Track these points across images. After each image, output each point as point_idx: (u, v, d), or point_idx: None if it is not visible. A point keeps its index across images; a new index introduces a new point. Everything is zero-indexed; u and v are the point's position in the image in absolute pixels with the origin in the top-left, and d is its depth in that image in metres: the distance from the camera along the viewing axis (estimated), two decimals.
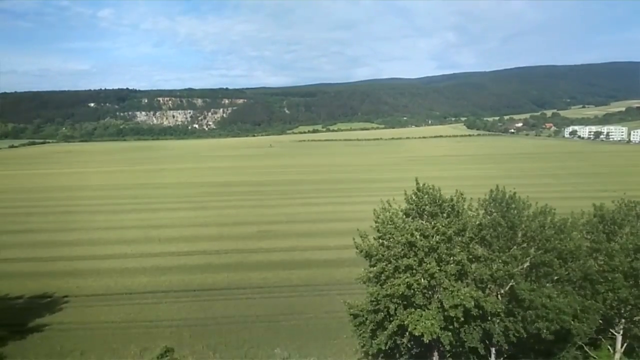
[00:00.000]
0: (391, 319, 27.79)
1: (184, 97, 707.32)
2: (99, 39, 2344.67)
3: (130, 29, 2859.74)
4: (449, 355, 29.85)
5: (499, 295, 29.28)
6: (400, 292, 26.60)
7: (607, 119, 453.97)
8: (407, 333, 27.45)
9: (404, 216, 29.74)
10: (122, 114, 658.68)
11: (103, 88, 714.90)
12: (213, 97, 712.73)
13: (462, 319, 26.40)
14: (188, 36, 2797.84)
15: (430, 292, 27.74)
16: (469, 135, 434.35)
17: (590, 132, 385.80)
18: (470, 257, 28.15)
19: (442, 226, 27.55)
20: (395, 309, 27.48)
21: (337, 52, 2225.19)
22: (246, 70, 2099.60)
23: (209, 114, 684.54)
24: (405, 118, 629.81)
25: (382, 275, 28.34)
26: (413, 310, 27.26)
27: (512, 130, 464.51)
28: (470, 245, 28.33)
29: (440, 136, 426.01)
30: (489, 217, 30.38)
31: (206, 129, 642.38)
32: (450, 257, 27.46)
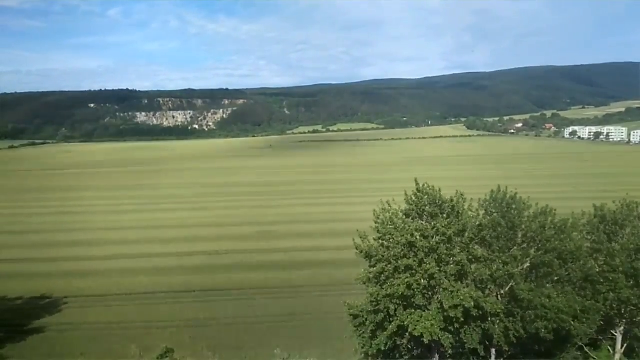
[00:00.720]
0: (391, 319, 27.73)
1: (184, 98, 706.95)
2: (106, 39, 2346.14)
3: (138, 29, 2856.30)
4: (449, 356, 29.79)
5: (499, 296, 29.23)
6: (400, 293, 26.56)
7: (607, 120, 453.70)
8: (407, 334, 27.40)
9: (404, 217, 29.67)
10: (122, 114, 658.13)
11: (104, 88, 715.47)
12: (213, 97, 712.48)
13: (462, 319, 26.36)
14: (197, 36, 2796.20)
15: (430, 293, 27.70)
16: (469, 136, 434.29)
17: (590, 132, 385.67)
18: (470, 257, 28.08)
19: (442, 227, 27.50)
20: (395, 310, 27.44)
21: (344, 53, 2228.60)
22: (252, 70, 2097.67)
23: (209, 114, 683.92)
24: (405, 119, 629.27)
25: (382, 275, 28.29)
26: (413, 310, 27.23)
27: (512, 131, 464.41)
28: (470, 246, 28.26)
29: (441, 137, 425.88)
30: (489, 217, 30.31)
31: (206, 129, 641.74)
32: (450, 257, 27.42)
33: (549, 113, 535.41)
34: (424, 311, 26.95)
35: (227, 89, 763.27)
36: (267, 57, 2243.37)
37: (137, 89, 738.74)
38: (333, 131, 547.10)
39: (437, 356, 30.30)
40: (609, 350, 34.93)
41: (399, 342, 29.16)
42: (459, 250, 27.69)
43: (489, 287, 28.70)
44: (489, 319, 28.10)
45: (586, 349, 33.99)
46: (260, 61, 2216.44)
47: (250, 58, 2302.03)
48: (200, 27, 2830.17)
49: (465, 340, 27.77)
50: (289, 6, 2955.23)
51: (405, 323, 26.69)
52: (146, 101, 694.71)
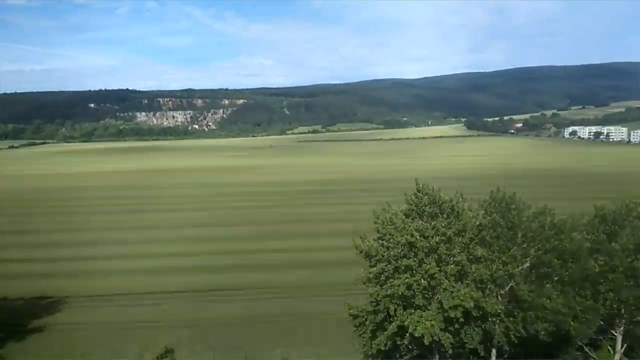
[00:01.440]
0: (391, 319, 27.77)
1: (184, 98, 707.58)
2: (113, 38, 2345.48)
3: (146, 27, 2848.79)
4: (449, 356, 29.80)
5: (499, 296, 29.25)
6: (400, 293, 26.61)
7: (607, 120, 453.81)
8: (407, 334, 27.42)
9: (404, 217, 29.72)
10: (122, 114, 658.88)
11: (104, 88, 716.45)
12: (213, 97, 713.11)
13: (462, 319, 26.38)
14: (204, 35, 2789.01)
15: (430, 293, 27.73)
16: (469, 136, 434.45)
17: (590, 132, 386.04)
18: (470, 257, 28.12)
19: (442, 227, 27.55)
20: (395, 310, 27.47)
21: (351, 52, 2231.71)
22: (258, 69, 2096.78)
23: (209, 114, 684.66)
24: (405, 119, 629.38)
25: (382, 275, 28.35)
26: (413, 311, 27.26)
27: (512, 131, 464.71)
28: (470, 246, 28.30)
29: (441, 137, 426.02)
30: (488, 217, 30.32)
31: (206, 129, 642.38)
32: (450, 257, 27.46)
33: (549, 113, 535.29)
34: (424, 311, 26.98)
35: (227, 89, 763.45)
36: (274, 56, 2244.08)
37: (141, 89, 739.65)
38: (333, 131, 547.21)
39: (437, 356, 30.33)
40: (609, 350, 34.94)
41: (398, 342, 29.17)
42: (458, 251, 27.74)
43: (489, 287, 28.72)
44: (489, 319, 28.13)
45: (586, 349, 34.04)
46: (267, 60, 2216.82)
47: (257, 57, 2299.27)
48: (208, 26, 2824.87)
49: (465, 340, 27.80)
50: (301, 5, 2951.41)
51: (406, 323, 26.72)
52: (146, 101, 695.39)
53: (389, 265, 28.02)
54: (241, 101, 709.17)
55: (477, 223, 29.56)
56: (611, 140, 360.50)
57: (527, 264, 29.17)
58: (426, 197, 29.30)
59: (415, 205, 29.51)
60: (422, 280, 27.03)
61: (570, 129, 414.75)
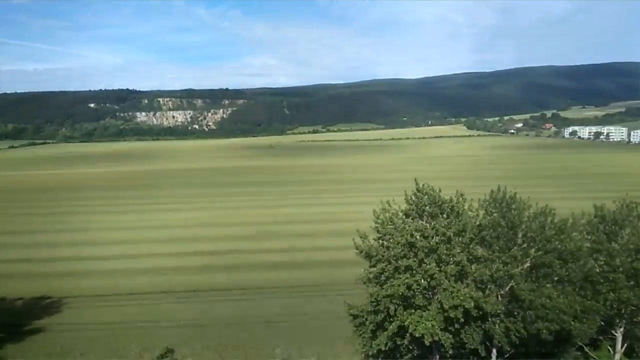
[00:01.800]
0: (391, 319, 27.74)
1: (184, 98, 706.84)
2: (117, 37, 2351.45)
3: (150, 27, 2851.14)
4: (449, 356, 29.78)
5: (499, 296, 29.22)
6: (400, 293, 26.57)
7: (607, 120, 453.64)
8: (408, 334, 27.39)
9: (404, 217, 29.69)
10: (122, 114, 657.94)
11: (104, 88, 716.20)
12: (213, 97, 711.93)
13: (463, 320, 26.35)
14: (208, 34, 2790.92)
15: (430, 293, 27.71)
16: (469, 136, 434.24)
17: (590, 132, 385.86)
18: (470, 257, 28.09)
19: (442, 227, 27.51)
20: (395, 310, 27.44)
21: (354, 52, 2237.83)
22: (262, 69, 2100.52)
23: (209, 114, 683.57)
24: (405, 118, 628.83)
25: (382, 275, 28.32)
26: (413, 311, 27.23)
27: (512, 131, 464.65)
28: (470, 246, 28.26)
29: (441, 136, 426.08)
30: (489, 217, 30.29)
31: (206, 129, 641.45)
32: (450, 257, 27.42)
33: (549, 113, 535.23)
34: (424, 311, 26.95)
35: (227, 89, 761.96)
36: (278, 56, 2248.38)
37: (141, 89, 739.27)
38: (333, 131, 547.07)
39: (437, 356, 30.31)
40: (609, 350, 34.92)
41: (399, 343, 29.15)
42: (459, 251, 27.71)
43: (489, 287, 28.70)
44: (490, 319, 28.11)
45: (586, 349, 34.02)
46: (272, 60, 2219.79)
47: (261, 57, 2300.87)
48: (214, 25, 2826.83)
49: (465, 341, 27.77)
50: (306, 5, 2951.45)
51: (406, 323, 26.69)
52: (146, 101, 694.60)
53: (389, 265, 27.98)
54: (241, 101, 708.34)
55: (477, 223, 29.54)
56: (611, 140, 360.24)
57: (528, 264, 29.14)
58: (426, 197, 29.26)
59: (415, 205, 29.47)
60: (422, 280, 27.00)
61: (570, 128, 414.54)
